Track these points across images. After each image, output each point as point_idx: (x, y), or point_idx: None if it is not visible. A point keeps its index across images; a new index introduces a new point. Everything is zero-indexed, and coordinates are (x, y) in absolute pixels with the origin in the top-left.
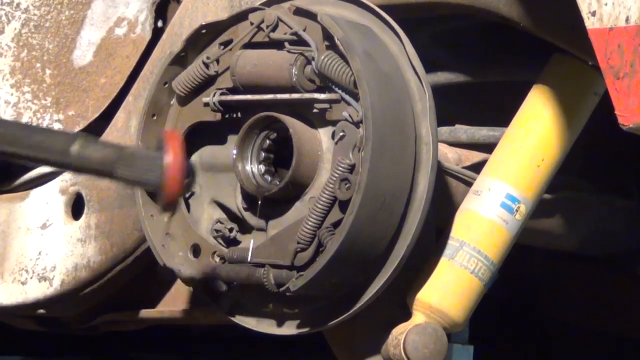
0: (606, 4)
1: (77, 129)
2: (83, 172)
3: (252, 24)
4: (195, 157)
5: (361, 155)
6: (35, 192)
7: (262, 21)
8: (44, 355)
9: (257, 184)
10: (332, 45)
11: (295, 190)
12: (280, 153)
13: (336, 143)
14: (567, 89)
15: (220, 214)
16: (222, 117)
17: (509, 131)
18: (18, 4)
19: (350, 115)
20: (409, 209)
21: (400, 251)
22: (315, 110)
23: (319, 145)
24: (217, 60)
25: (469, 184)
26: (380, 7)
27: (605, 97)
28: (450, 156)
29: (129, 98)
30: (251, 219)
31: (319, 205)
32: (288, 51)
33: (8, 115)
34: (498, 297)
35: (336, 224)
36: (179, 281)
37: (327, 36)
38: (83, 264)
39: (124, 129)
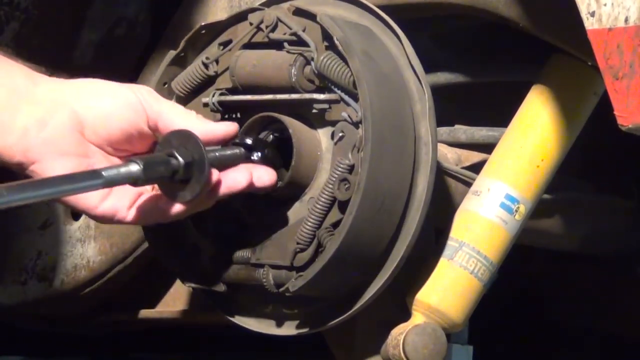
0: (605, 5)
1: None
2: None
3: (251, 24)
4: None
5: (360, 155)
6: None
7: (262, 21)
8: (44, 355)
9: None
10: (331, 46)
11: (294, 191)
12: (280, 153)
13: (335, 143)
14: (566, 89)
15: (219, 214)
16: (222, 117)
17: (508, 131)
18: (18, 4)
19: (349, 116)
20: (408, 209)
21: (399, 251)
22: (314, 111)
23: (319, 146)
24: (217, 61)
25: (468, 185)
26: (380, 7)
27: (605, 97)
28: (450, 156)
29: None
30: (251, 219)
31: (318, 206)
32: (287, 51)
33: None
34: (498, 298)
35: (335, 225)
36: (178, 281)
37: (327, 36)
38: (83, 264)
39: None
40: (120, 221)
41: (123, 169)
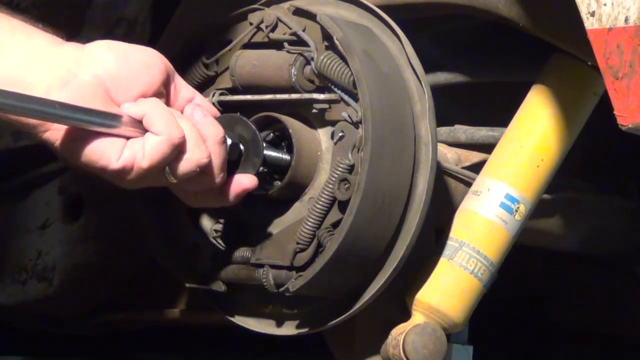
0: (605, 4)
1: None
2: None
3: (251, 24)
4: None
5: (360, 155)
6: (35, 193)
7: (262, 21)
8: (44, 355)
9: None
10: (331, 46)
11: (294, 191)
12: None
13: (335, 143)
14: (566, 89)
15: (219, 214)
16: None
17: (508, 131)
18: (18, 4)
19: (349, 116)
20: (408, 209)
21: (399, 251)
22: (314, 111)
23: (318, 146)
24: (217, 61)
25: (468, 184)
26: (380, 7)
27: (605, 97)
28: (450, 156)
29: None
30: (251, 219)
31: (318, 206)
32: (287, 51)
33: None
34: (498, 298)
35: (335, 224)
36: (178, 281)
37: (327, 36)
38: (83, 264)
39: None
40: (140, 168)
41: None
